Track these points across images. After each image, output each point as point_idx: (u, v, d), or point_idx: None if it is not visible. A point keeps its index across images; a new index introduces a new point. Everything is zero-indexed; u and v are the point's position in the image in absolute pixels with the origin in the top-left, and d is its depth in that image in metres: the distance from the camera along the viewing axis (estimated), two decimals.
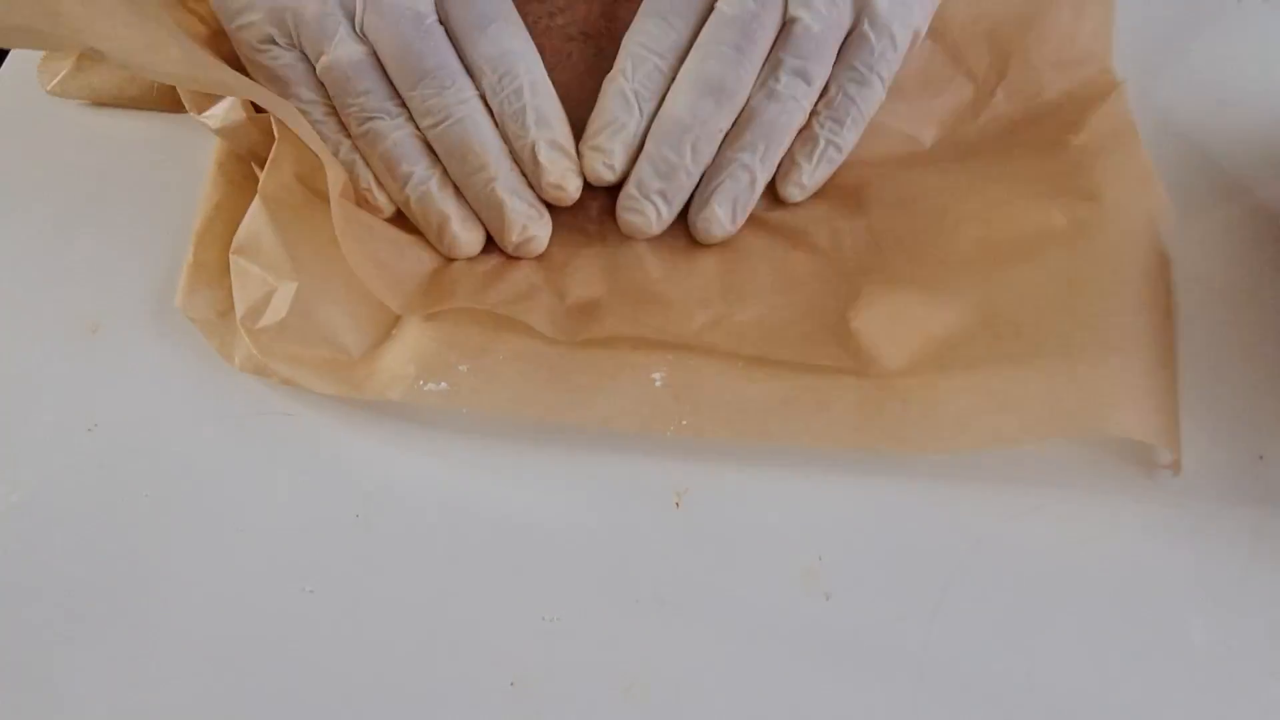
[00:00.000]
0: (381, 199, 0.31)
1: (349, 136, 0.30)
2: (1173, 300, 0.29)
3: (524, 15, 0.33)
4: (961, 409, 0.26)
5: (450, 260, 0.31)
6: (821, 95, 0.31)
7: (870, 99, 0.31)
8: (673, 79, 0.30)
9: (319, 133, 0.30)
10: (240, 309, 0.29)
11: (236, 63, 0.31)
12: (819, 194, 0.32)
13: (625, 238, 0.31)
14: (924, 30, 0.31)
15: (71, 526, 0.28)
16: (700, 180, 0.30)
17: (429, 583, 0.27)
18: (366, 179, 0.30)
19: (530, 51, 0.30)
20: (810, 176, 0.31)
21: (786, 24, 0.30)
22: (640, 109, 0.30)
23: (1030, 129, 0.32)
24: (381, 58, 0.30)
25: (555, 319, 0.29)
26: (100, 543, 0.27)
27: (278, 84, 0.30)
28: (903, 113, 0.33)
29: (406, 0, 0.29)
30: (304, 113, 0.30)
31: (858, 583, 0.26)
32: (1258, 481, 0.27)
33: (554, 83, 0.31)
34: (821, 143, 0.31)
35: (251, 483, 0.28)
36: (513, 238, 0.30)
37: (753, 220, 0.31)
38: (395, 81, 0.30)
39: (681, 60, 0.30)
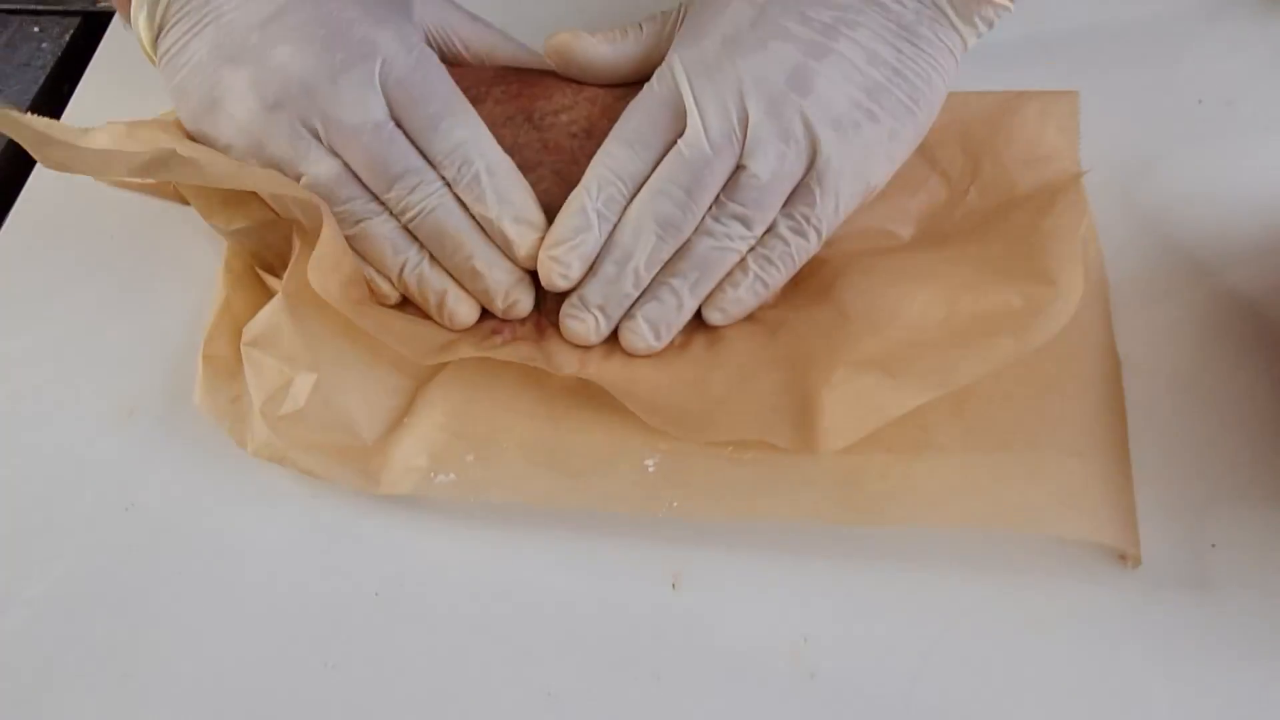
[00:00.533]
0: (385, 287, 0.34)
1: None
2: (1124, 401, 0.31)
3: (530, 112, 0.35)
4: (937, 489, 0.29)
5: (458, 335, 0.33)
6: (765, 232, 0.32)
7: (804, 248, 0.32)
8: (631, 200, 0.32)
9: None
10: (259, 398, 0.31)
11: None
12: (800, 284, 0.34)
13: None
14: (880, 185, 0.33)
15: (108, 603, 0.30)
16: (637, 298, 0.33)
17: (442, 657, 0.29)
18: (368, 271, 0.33)
19: (482, 136, 0.33)
20: (733, 305, 0.33)
21: (737, 170, 0.32)
22: (599, 227, 0.32)
23: (1004, 217, 0.34)
24: (353, 168, 0.32)
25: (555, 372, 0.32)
26: (134, 619, 0.29)
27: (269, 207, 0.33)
28: (881, 212, 0.35)
29: (362, 114, 0.32)
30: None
31: (840, 663, 0.28)
32: (1210, 568, 0.29)
33: (557, 175, 0.33)
34: (750, 277, 0.32)
35: (278, 561, 0.30)
36: (499, 304, 0.33)
37: None
38: (370, 186, 0.32)
39: (640, 186, 0.32)
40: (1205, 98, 0.40)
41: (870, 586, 0.29)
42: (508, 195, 0.32)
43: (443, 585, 0.30)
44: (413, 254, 0.33)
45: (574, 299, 0.33)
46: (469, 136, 0.32)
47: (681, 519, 0.29)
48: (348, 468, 0.30)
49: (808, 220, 0.32)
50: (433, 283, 0.33)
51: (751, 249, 0.32)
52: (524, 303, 0.33)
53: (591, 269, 0.33)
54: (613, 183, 0.32)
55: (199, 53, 0.33)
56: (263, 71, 0.32)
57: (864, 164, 0.32)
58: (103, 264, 0.37)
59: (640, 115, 0.33)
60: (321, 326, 0.32)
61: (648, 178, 0.32)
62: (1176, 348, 0.33)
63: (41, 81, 0.46)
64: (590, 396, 0.31)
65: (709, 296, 0.33)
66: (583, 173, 0.34)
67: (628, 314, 0.33)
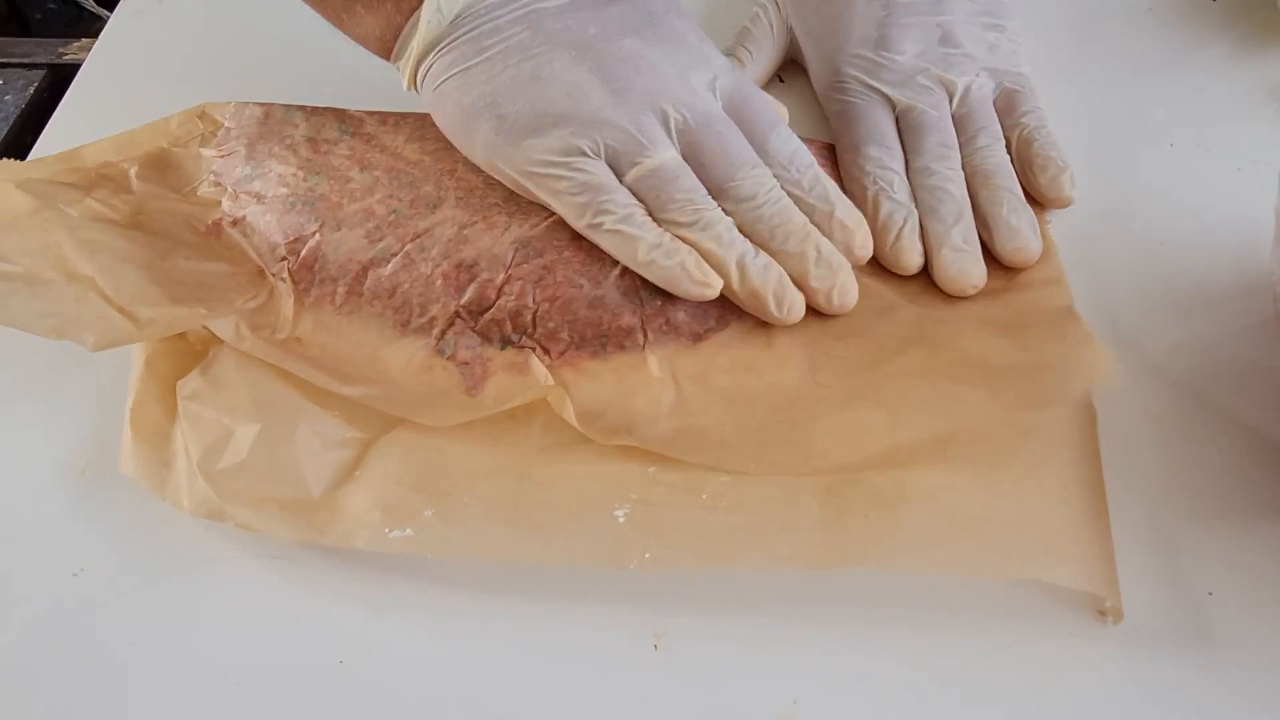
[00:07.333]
0: (711, 278, 0.33)
1: (665, 232, 0.33)
2: (1100, 454, 0.30)
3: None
4: (922, 532, 0.28)
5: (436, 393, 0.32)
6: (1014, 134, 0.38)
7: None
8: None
9: (640, 234, 0.33)
10: (196, 453, 0.29)
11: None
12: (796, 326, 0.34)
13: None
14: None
15: (56, 672, 0.28)
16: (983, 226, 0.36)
17: None
18: (691, 265, 0.33)
19: (805, 148, 0.36)
20: (1062, 174, 0.37)
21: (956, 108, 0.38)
22: (910, 209, 0.36)
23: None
24: (700, 153, 0.34)
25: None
26: (83, 689, 0.28)
27: (588, 192, 0.33)
28: (869, 269, 0.35)
29: (707, 104, 0.34)
30: (628, 216, 0.33)
31: None
32: (1206, 618, 0.28)
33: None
34: (1048, 154, 0.37)
35: (236, 628, 0.29)
36: (834, 300, 0.34)
37: (720, 348, 0.33)
38: (716, 172, 0.34)
39: (905, 170, 0.37)
40: (1177, 141, 0.40)
41: (860, 646, 0.28)
42: (841, 195, 0.35)
43: (410, 653, 0.28)
44: (750, 245, 0.33)
45: (948, 249, 0.35)
46: (800, 145, 0.35)
47: (658, 572, 0.28)
48: (291, 521, 0.29)
49: (1031, 104, 0.39)
50: (773, 271, 0.33)
51: (1018, 144, 0.38)
52: (852, 294, 0.34)
53: (940, 228, 0.35)
54: (893, 176, 0.36)
55: (516, 35, 0.34)
56: (609, 57, 0.34)
57: (1014, 63, 0.40)
58: None
59: (863, 122, 0.38)
60: (267, 376, 0.31)
61: (906, 162, 0.37)
62: (1153, 393, 0.33)
63: (5, 133, 0.45)
64: (562, 451, 0.30)
65: (1048, 180, 0.37)
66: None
67: (998, 229, 0.35)
